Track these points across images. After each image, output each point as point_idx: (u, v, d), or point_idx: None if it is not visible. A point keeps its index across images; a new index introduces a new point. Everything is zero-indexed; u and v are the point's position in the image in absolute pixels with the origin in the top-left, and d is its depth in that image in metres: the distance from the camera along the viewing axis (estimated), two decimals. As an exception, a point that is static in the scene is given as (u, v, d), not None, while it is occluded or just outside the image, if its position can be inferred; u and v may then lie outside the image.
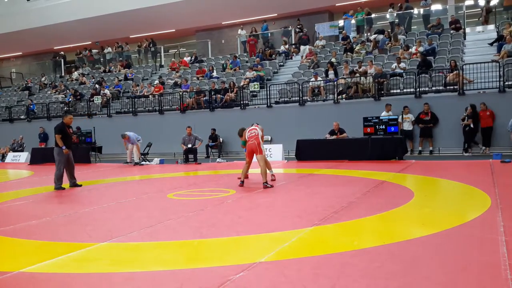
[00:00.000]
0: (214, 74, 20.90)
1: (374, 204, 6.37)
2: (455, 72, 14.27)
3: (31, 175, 13.70)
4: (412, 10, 19.78)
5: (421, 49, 16.65)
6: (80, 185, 9.90)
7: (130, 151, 15.34)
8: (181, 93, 19.24)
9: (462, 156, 13.01)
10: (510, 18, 18.30)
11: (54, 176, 9.60)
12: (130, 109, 20.22)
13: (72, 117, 10.25)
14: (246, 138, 9.08)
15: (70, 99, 22.51)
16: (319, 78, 16.89)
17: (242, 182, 9.03)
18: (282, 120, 16.30)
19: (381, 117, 13.21)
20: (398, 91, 15.48)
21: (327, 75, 17.05)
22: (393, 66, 15.95)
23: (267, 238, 4.84)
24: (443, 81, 14.76)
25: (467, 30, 18.97)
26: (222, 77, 20.47)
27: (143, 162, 15.57)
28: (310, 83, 16.82)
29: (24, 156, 19.61)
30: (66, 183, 9.80)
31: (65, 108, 21.91)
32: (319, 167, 11.47)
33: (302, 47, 20.34)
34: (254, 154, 8.87)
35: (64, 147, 9.54)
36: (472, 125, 13.24)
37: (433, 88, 14.93)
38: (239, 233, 5.07)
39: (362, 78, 15.89)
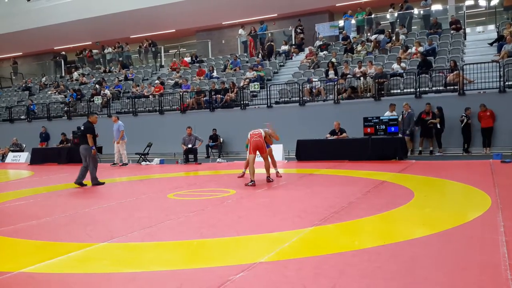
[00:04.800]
0: (214, 74, 20.91)
1: (375, 204, 6.36)
2: (455, 72, 14.27)
3: (31, 175, 13.70)
4: (412, 11, 19.79)
5: (421, 49, 16.65)
6: (85, 185, 10.03)
7: (117, 152, 15.33)
8: (181, 93, 19.24)
9: (462, 156, 13.01)
10: (510, 18, 18.29)
11: (92, 174, 9.92)
12: (130, 109, 20.22)
13: (97, 116, 10.74)
14: (250, 138, 9.18)
15: (69, 99, 22.50)
16: (319, 79, 16.88)
17: (253, 181, 8.75)
18: (282, 120, 16.25)
19: (382, 117, 13.20)
20: (399, 91, 15.49)
21: (327, 75, 17.04)
22: (394, 66, 15.96)
23: (267, 238, 4.84)
24: (443, 81, 14.76)
25: (467, 30, 18.96)
26: (222, 77, 20.47)
27: (144, 162, 15.58)
28: (308, 86, 16.78)
29: (24, 156, 19.60)
30: (87, 180, 10.13)
31: (65, 109, 21.93)
32: (319, 167, 11.47)
33: (321, 53, 20.07)
34: (258, 152, 9.15)
35: (93, 147, 9.90)
36: (439, 125, 13.57)
37: (433, 88, 14.93)
38: (239, 233, 5.07)
39: (361, 78, 15.90)
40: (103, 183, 10.04)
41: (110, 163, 15.74)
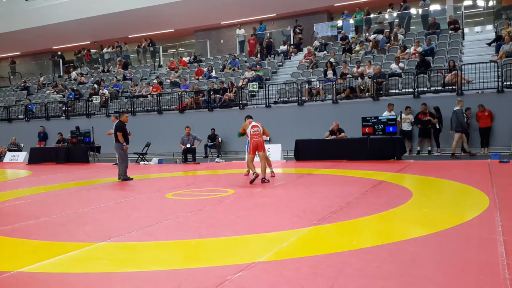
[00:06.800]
0: (213, 74, 20.89)
1: (373, 204, 6.37)
2: (453, 72, 14.29)
3: (30, 174, 13.68)
4: (409, 10, 19.79)
5: (419, 49, 16.66)
6: (132, 178, 10.81)
7: None
8: (180, 93, 19.23)
9: (460, 156, 13.02)
10: (508, 19, 18.32)
11: (121, 169, 10.70)
12: (129, 109, 20.17)
13: (128, 116, 11.52)
14: (249, 134, 9.48)
15: (68, 99, 22.46)
16: (317, 79, 16.88)
17: (255, 173, 8.97)
18: (280, 120, 16.29)
19: (380, 117, 13.21)
20: (397, 91, 15.50)
21: (325, 75, 17.05)
22: (392, 66, 15.97)
23: (266, 238, 4.84)
24: (442, 81, 14.77)
25: (466, 30, 18.99)
26: (220, 77, 20.46)
27: (142, 162, 15.57)
28: (306, 86, 16.78)
29: (22, 156, 19.57)
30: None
31: (64, 108, 21.90)
32: (317, 167, 11.47)
33: (319, 53, 20.04)
34: (257, 151, 9.33)
35: (125, 144, 10.70)
36: (437, 125, 13.64)
37: (432, 88, 14.94)
38: (237, 233, 5.07)
39: (360, 78, 15.91)
40: (131, 179, 10.73)
41: (109, 162, 15.71)
